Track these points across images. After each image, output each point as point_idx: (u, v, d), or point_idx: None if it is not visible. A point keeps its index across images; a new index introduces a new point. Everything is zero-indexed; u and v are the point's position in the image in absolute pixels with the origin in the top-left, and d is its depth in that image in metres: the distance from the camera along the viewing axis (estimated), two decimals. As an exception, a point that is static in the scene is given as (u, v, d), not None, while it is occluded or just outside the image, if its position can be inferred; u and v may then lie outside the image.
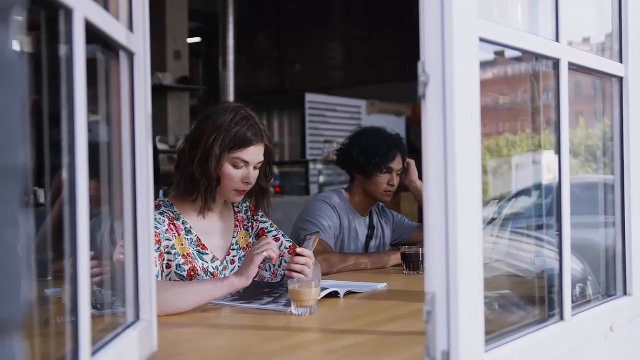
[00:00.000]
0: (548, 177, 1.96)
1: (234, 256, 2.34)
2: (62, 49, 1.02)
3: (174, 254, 2.16)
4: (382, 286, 2.36)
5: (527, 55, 1.63)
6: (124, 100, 1.36)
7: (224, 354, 1.58)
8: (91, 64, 1.09)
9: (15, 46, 0.59)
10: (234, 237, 2.36)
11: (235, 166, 2.20)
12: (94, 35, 1.12)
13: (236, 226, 2.38)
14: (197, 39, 10.48)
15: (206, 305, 1.97)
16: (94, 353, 1.08)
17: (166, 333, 1.59)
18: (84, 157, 1.02)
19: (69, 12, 1.00)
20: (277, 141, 8.75)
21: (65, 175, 1.01)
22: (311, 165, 7.63)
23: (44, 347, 1.19)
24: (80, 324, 1.01)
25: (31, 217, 0.63)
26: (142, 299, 1.38)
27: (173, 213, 2.22)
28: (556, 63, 1.53)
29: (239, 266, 2.30)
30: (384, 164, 2.99)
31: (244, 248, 2.37)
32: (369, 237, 3.15)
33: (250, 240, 2.39)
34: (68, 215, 1.01)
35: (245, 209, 2.43)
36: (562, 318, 1.52)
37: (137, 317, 1.37)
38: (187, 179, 2.21)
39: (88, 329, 1.02)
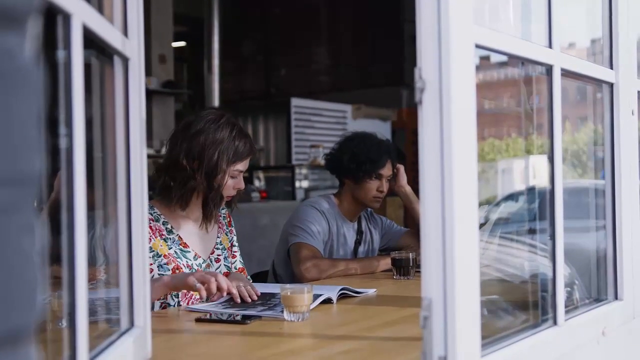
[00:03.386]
0: (535, 182, 1.97)
1: (218, 255, 2.42)
2: (60, 54, 1.02)
3: (153, 256, 2.20)
4: (372, 292, 2.36)
5: (514, 60, 1.64)
6: (118, 105, 1.35)
7: (217, 360, 1.57)
8: (85, 69, 1.08)
9: (31, 53, 0.58)
10: (218, 237, 2.44)
11: (233, 177, 2.31)
12: (89, 40, 1.11)
13: (219, 227, 2.46)
14: (182, 43, 10.46)
15: (199, 312, 1.97)
16: (90, 360, 1.07)
17: (159, 339, 1.58)
18: (81, 161, 1.02)
19: (67, 18, 0.99)
20: (263, 146, 8.74)
21: (63, 180, 1.00)
22: (297, 170, 7.61)
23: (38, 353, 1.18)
24: (77, 331, 1.00)
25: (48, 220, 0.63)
26: (136, 306, 1.37)
27: (152, 214, 2.25)
28: (549, 69, 1.54)
29: (224, 264, 2.42)
30: (375, 170, 2.99)
31: (228, 248, 2.46)
32: (358, 243, 3.15)
33: (230, 244, 2.49)
34: (66, 220, 1.00)
35: (223, 215, 2.52)
36: (555, 323, 1.53)
37: (132, 324, 1.36)
38: (190, 192, 2.28)
39: (85, 336, 1.01)
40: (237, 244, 2.54)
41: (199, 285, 1.96)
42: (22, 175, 0.54)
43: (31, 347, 0.57)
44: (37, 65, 0.58)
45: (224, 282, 2.01)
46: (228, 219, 2.53)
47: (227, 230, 2.50)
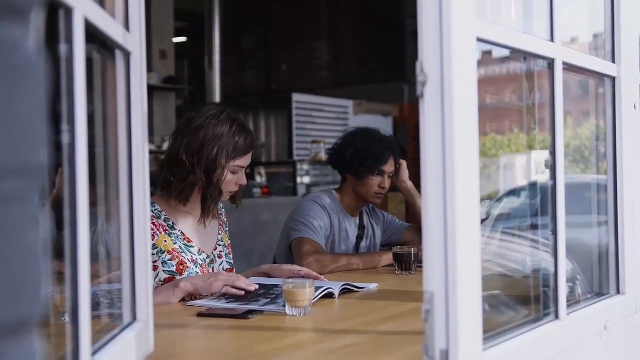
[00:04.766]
0: (537, 177, 1.97)
1: (220, 251, 2.44)
2: (62, 48, 1.01)
3: (157, 253, 2.22)
4: (374, 286, 2.36)
5: (516, 55, 1.64)
6: (120, 99, 1.35)
7: (220, 354, 1.57)
8: (87, 64, 1.08)
9: (35, 45, 0.58)
10: (219, 234, 2.46)
11: (233, 172, 2.32)
12: (91, 34, 1.11)
13: (220, 225, 2.49)
14: (182, 39, 10.46)
15: (201, 307, 1.97)
16: (93, 353, 1.07)
17: (162, 334, 1.59)
18: (84, 156, 1.02)
19: (68, 11, 0.99)
20: (264, 142, 8.74)
21: (65, 175, 1.00)
22: (298, 166, 7.60)
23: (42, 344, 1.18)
24: (80, 325, 1.00)
25: (50, 216, 0.63)
26: (139, 300, 1.37)
27: (153, 212, 2.26)
28: (551, 63, 1.54)
29: (226, 261, 2.44)
30: (377, 166, 2.99)
31: (227, 246, 2.49)
32: (360, 238, 3.15)
33: (229, 242, 2.52)
34: (68, 216, 1.00)
35: (222, 213, 2.54)
36: (557, 317, 1.53)
37: (134, 318, 1.37)
38: (190, 187, 2.29)
39: (88, 330, 1.01)
40: (228, 243, 2.57)
41: (226, 288, 2.08)
42: (27, 167, 0.54)
43: (35, 338, 0.57)
44: (41, 56, 0.58)
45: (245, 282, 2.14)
46: (226, 219, 2.56)
47: (226, 229, 2.53)
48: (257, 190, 6.73)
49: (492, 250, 2.01)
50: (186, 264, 2.25)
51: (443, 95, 1.18)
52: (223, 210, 2.54)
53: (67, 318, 1.10)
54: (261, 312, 1.90)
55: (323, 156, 7.28)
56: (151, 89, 7.58)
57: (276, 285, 2.18)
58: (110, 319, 1.42)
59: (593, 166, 2.07)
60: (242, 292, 2.10)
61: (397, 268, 2.69)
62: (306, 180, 7.66)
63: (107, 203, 1.40)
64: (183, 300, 2.13)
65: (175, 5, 8.14)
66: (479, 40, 1.27)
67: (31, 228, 0.55)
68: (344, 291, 2.21)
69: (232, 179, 2.31)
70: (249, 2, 10.58)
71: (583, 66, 1.72)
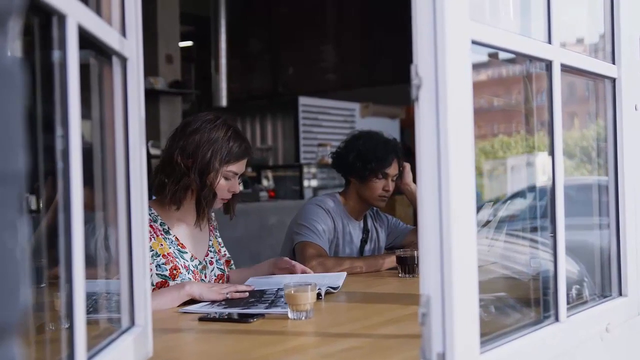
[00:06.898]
0: (543, 179, 1.97)
1: (211, 257, 2.47)
2: (55, 54, 1.02)
3: (152, 255, 2.24)
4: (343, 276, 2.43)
5: (520, 57, 1.63)
6: (117, 105, 1.36)
7: (219, 359, 1.57)
8: (83, 69, 1.09)
9: (13, 52, 0.59)
10: (210, 240, 2.49)
11: (226, 178, 2.34)
12: (86, 40, 1.12)
13: (210, 231, 2.51)
14: (188, 43, 10.47)
15: (195, 313, 1.97)
16: (90, 358, 1.08)
17: (160, 338, 1.59)
18: (78, 162, 1.02)
19: (62, 18, 1.00)
20: (271, 145, 8.74)
21: (59, 181, 1.01)
22: (305, 169, 7.60)
23: (38, 353, 1.19)
24: (75, 330, 1.00)
25: (28, 223, 0.63)
26: (137, 305, 1.38)
27: (150, 215, 2.27)
28: (549, 64, 1.53)
29: (217, 267, 2.46)
30: (380, 169, 2.98)
31: (218, 251, 2.51)
32: (364, 241, 3.14)
33: (220, 247, 2.54)
34: (62, 221, 1.00)
35: (213, 219, 2.57)
36: (557, 319, 1.53)
37: (132, 323, 1.37)
38: (183, 190, 2.30)
39: (84, 335, 1.02)
40: (221, 241, 2.60)
41: (231, 294, 2.15)
42: (4, 173, 0.55)
43: (15, 343, 0.57)
44: (20, 64, 0.58)
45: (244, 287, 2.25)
46: (215, 223, 2.58)
47: (216, 234, 2.56)
48: (263, 194, 6.73)
49: (495, 252, 2.01)
50: (179, 269, 2.27)
51: (438, 99, 1.18)
52: (213, 214, 2.56)
53: (65, 323, 1.10)
54: (263, 315, 1.90)
55: (329, 159, 7.28)
56: (157, 94, 7.58)
57: (265, 291, 2.21)
58: (110, 324, 1.43)
59: (601, 167, 2.06)
60: (247, 294, 2.15)
61: (400, 271, 2.68)
62: (313, 183, 7.66)
63: (107, 209, 1.40)
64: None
65: (181, 9, 8.15)
66: (474, 42, 1.27)
67: (10, 234, 0.56)
68: (329, 290, 2.26)
69: (225, 184, 2.33)
70: (255, 5, 10.58)
71: (582, 68, 1.72)
